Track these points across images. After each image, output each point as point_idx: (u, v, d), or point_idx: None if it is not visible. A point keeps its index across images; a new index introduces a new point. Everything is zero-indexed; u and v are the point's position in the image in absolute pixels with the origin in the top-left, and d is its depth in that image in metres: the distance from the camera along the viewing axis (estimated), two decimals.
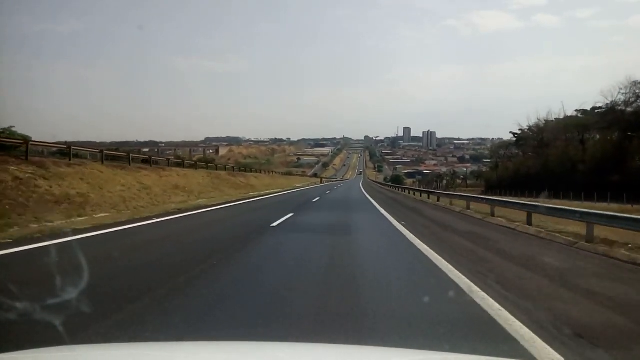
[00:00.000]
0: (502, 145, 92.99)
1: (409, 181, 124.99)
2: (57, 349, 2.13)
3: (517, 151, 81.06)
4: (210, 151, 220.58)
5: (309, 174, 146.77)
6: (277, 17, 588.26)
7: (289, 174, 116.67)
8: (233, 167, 49.71)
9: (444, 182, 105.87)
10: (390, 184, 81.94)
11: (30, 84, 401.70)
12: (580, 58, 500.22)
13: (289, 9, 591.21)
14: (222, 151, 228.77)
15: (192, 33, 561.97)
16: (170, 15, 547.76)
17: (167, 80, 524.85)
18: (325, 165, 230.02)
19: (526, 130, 75.99)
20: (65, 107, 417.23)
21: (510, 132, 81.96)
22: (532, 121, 75.26)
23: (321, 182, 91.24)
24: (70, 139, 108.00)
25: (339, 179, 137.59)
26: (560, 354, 3.33)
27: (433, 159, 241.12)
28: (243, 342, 2.91)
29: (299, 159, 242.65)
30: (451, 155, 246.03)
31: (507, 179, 69.12)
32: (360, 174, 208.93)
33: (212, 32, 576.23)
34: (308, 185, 62.91)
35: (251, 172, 55.19)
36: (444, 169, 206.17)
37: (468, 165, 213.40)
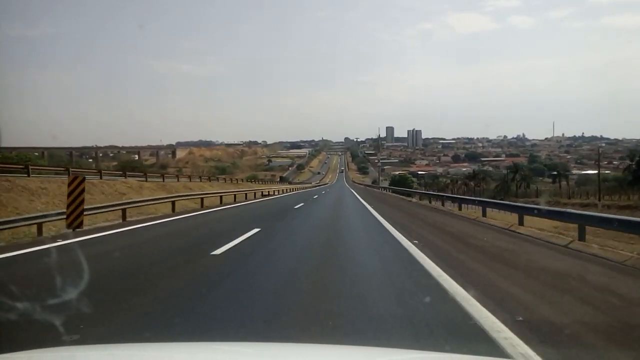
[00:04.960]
0: None
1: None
2: (57, 349, 2.06)
3: None
4: (169, 155, 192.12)
5: (276, 179, 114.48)
6: (256, 19, 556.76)
7: (253, 178, 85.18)
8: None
9: (485, 186, 74.38)
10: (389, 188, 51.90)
11: None
12: (556, 58, 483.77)
13: (267, 11, 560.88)
14: (181, 154, 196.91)
15: (171, 36, 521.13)
16: (147, 17, 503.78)
17: (142, 83, 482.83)
18: (301, 168, 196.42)
19: None
20: (23, 109, 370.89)
21: None
22: None
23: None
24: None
25: (313, 184, 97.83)
26: None
27: (423, 159, 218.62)
28: (243, 342, 2.88)
29: (270, 160, 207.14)
30: (442, 155, 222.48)
31: None
32: (342, 171, 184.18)
33: (191, 34, 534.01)
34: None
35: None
36: (439, 170, 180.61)
37: (465, 164, 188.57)
